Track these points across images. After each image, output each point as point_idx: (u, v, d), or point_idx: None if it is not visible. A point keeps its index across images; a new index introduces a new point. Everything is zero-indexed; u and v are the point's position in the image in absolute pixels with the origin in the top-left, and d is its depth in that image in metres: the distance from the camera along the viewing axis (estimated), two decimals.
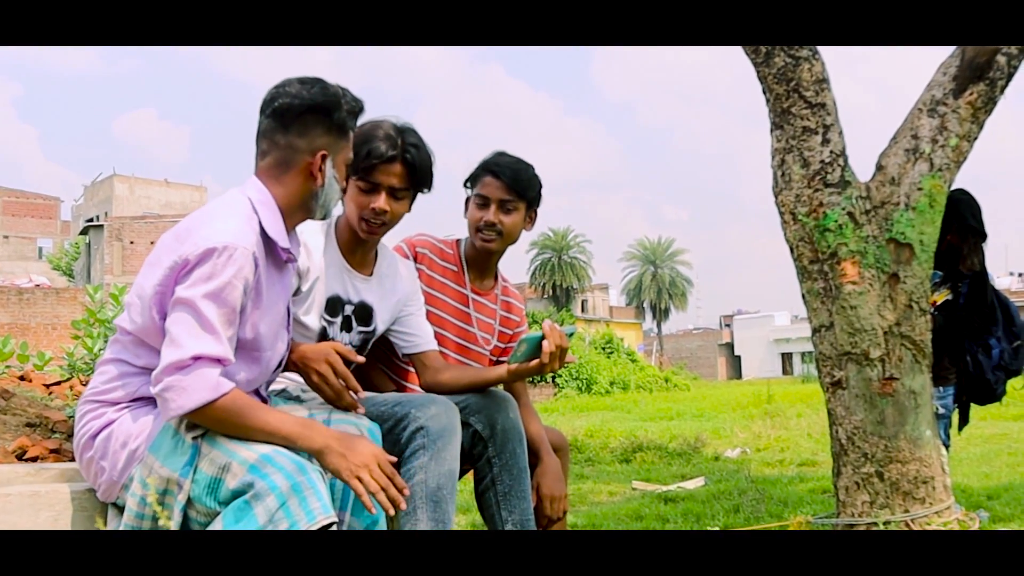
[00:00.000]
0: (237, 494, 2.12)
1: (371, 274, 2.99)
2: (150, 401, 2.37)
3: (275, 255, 2.46)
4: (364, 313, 2.97)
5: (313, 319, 2.85)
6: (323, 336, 2.87)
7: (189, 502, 2.21)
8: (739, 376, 65.53)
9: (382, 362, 3.30)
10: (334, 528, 2.15)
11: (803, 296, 4.52)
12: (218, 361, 2.25)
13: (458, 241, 3.44)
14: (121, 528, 2.26)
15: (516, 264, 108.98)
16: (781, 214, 4.48)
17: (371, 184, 2.80)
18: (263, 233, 2.39)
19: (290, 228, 2.53)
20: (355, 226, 2.86)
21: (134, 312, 2.37)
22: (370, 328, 2.99)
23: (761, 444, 12.20)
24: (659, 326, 71.93)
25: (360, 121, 2.60)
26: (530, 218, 3.35)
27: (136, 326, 2.36)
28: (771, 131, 4.49)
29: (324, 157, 2.47)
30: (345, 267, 2.92)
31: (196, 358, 2.21)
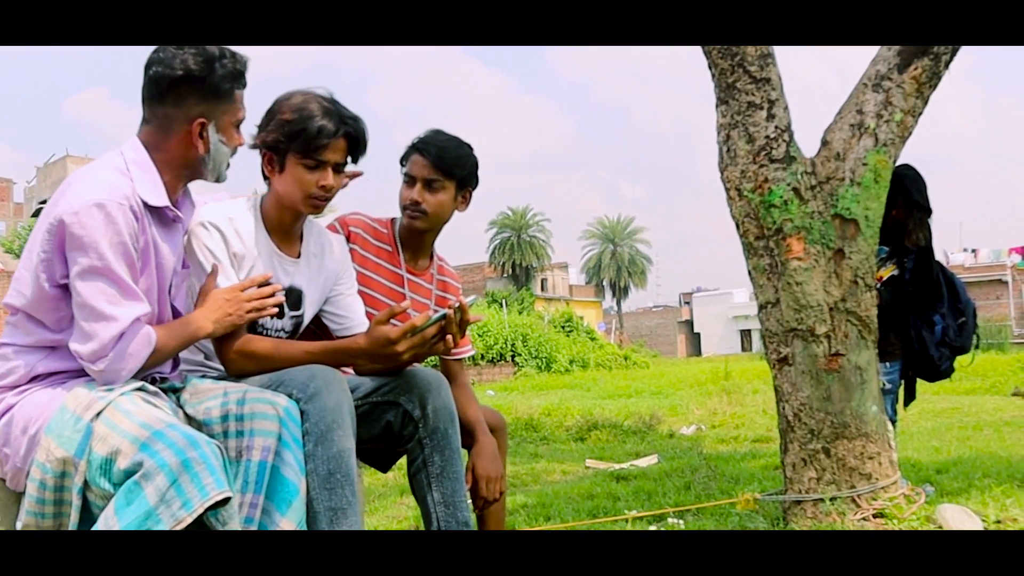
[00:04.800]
0: (129, 474, 2.05)
1: (299, 255, 2.91)
2: (47, 379, 2.34)
3: (160, 214, 2.45)
4: (294, 298, 2.90)
5: None
6: (252, 323, 2.79)
7: (87, 485, 2.14)
8: (699, 353, 65.89)
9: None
10: (227, 503, 2.09)
11: (749, 273, 4.50)
12: (141, 318, 2.32)
13: (393, 220, 3.37)
14: (23, 515, 2.18)
15: (475, 243, 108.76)
16: (727, 190, 4.45)
17: (317, 162, 2.72)
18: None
19: (175, 189, 2.52)
20: (298, 205, 2.77)
21: (22, 285, 2.34)
22: (300, 312, 2.92)
23: (716, 421, 12.28)
24: (619, 304, 72.13)
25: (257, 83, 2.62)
26: (463, 198, 3.28)
27: (25, 300, 2.33)
28: (716, 106, 4.45)
29: (203, 125, 2.44)
30: (275, 251, 2.84)
31: (131, 323, 2.28)
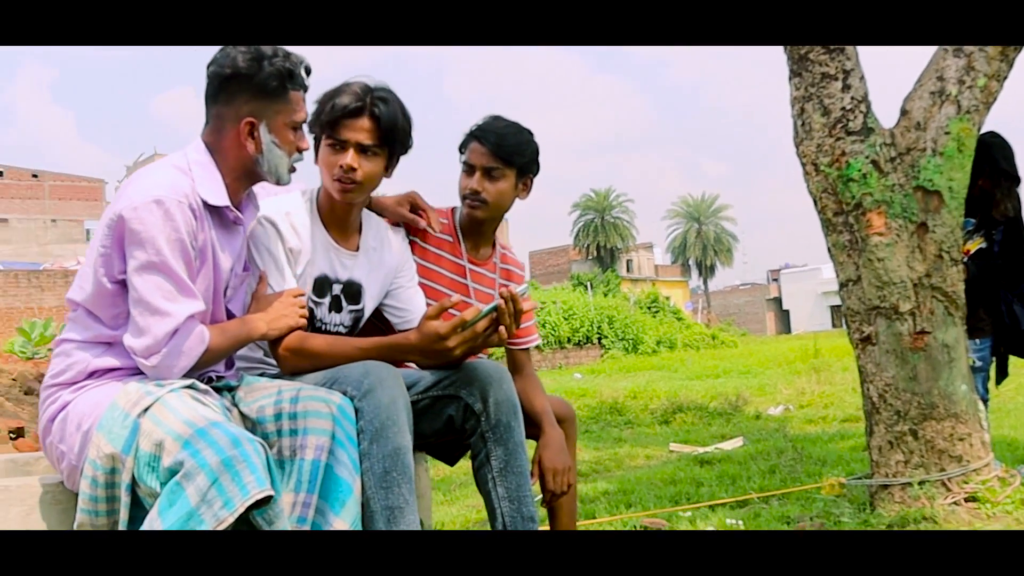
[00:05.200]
0: (173, 472, 2.02)
1: (357, 249, 2.87)
2: (103, 376, 2.34)
3: (221, 215, 2.45)
4: (353, 291, 2.86)
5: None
6: (311, 318, 2.77)
7: (135, 482, 2.12)
8: (788, 331, 64.86)
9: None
10: (269, 502, 2.06)
11: (829, 250, 4.34)
12: (196, 316, 2.32)
13: (453, 210, 3.29)
14: (78, 513, 2.17)
15: (560, 226, 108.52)
16: (803, 165, 4.31)
17: (337, 141, 2.67)
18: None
19: (237, 192, 2.51)
20: (330, 189, 2.73)
21: (84, 280, 2.36)
22: (359, 307, 2.88)
23: (805, 400, 12.02)
24: (705, 283, 71.40)
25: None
26: (524, 185, 3.18)
27: (85, 294, 2.35)
28: (789, 79, 4.30)
29: (251, 124, 2.43)
30: (331, 244, 2.81)
31: (186, 320, 2.27)
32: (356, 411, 2.43)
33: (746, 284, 78.90)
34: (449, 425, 2.75)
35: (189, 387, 2.26)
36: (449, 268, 3.19)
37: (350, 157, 2.65)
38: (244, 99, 2.41)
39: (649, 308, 37.10)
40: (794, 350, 23.61)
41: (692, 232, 71.30)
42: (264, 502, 2.03)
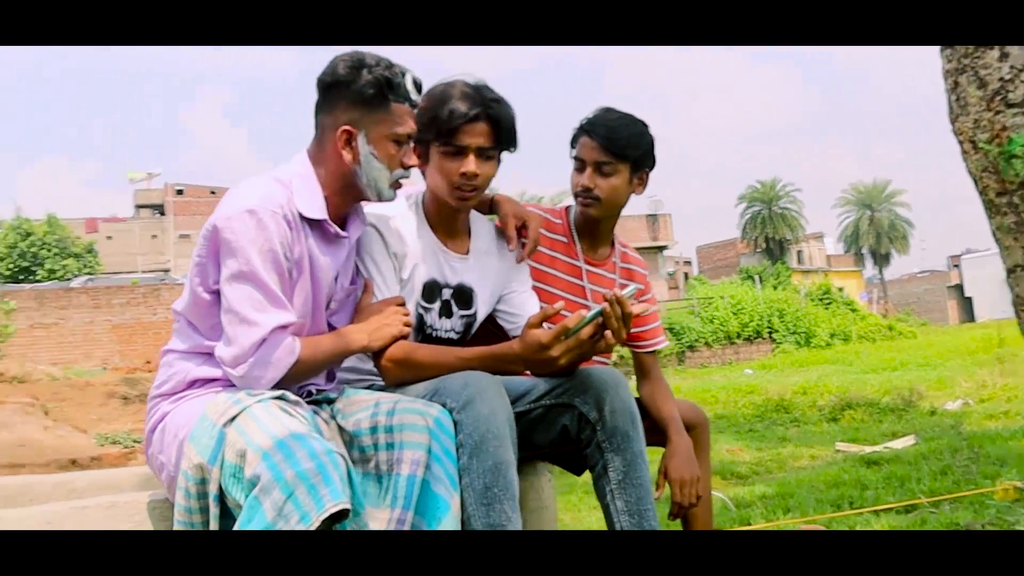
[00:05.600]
0: (253, 485, 1.97)
1: (467, 252, 2.77)
2: (202, 386, 2.33)
3: (322, 229, 2.41)
4: (464, 296, 2.76)
5: (411, 307, 2.67)
6: (420, 324, 2.69)
7: (223, 492, 2.08)
8: (972, 319, 61.86)
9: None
10: (347, 515, 1.97)
11: (993, 234, 3.99)
12: (286, 327, 2.29)
13: (567, 209, 3.15)
14: (175, 524, 2.15)
15: (726, 219, 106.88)
16: (960, 143, 3.96)
17: (456, 148, 2.58)
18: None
19: (338, 206, 2.47)
20: (446, 196, 2.63)
21: (185, 291, 2.38)
22: (471, 311, 2.77)
23: (986, 394, 11.34)
24: (881, 272, 68.78)
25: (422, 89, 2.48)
26: (639, 180, 3.00)
27: (185, 304, 2.37)
28: (941, 52, 3.97)
29: (348, 134, 2.38)
30: (439, 248, 2.72)
31: (273, 330, 2.24)
32: (456, 424, 2.32)
33: (924, 271, 75.78)
34: (564, 435, 2.60)
35: (279, 398, 2.20)
36: (564, 270, 3.05)
37: (473, 163, 2.57)
38: (343, 107, 2.38)
39: (821, 300, 35.91)
40: (976, 340, 22.47)
41: (864, 220, 68.75)
42: (342, 516, 1.95)
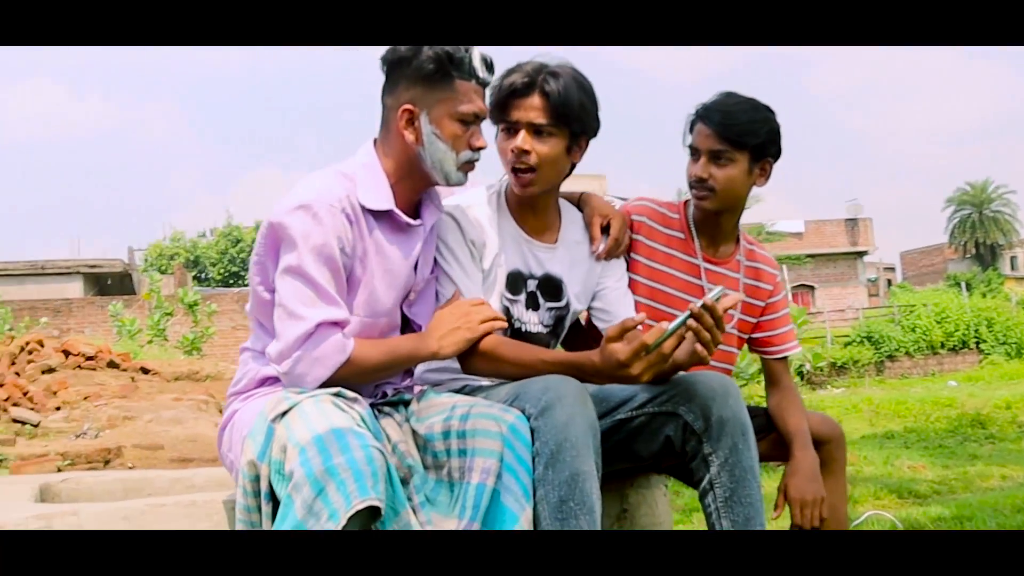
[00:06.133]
0: (290, 481, 1.93)
1: (555, 242, 2.66)
2: (271, 384, 2.31)
3: (391, 220, 2.35)
4: (551, 287, 2.64)
5: (494, 300, 2.58)
6: (508, 317, 2.59)
7: (272, 490, 2.04)
8: None
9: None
10: (380, 514, 1.92)
11: None
12: (338, 324, 2.21)
13: (686, 203, 2.96)
14: (236, 525, 2.12)
15: (933, 224, 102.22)
16: None
17: (509, 124, 2.50)
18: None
19: (406, 193, 2.39)
20: (511, 181, 2.56)
21: (251, 291, 2.36)
22: (561, 303, 2.66)
23: None
24: None
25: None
26: (761, 171, 2.79)
27: (251, 304, 2.35)
28: None
29: (409, 113, 2.31)
30: (523, 237, 2.62)
31: (320, 325, 2.17)
32: (533, 432, 2.19)
33: None
34: (667, 446, 2.44)
35: (336, 395, 2.14)
36: (681, 268, 2.86)
37: (521, 139, 2.46)
38: (404, 86, 2.31)
39: None
40: None
41: None
42: (377, 514, 1.90)
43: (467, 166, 2.38)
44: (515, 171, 2.50)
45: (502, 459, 2.12)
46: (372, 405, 2.33)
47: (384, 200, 2.31)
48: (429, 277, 2.49)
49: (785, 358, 3.01)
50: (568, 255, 2.67)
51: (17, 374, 9.10)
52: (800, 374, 20.22)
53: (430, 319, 2.46)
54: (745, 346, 3.03)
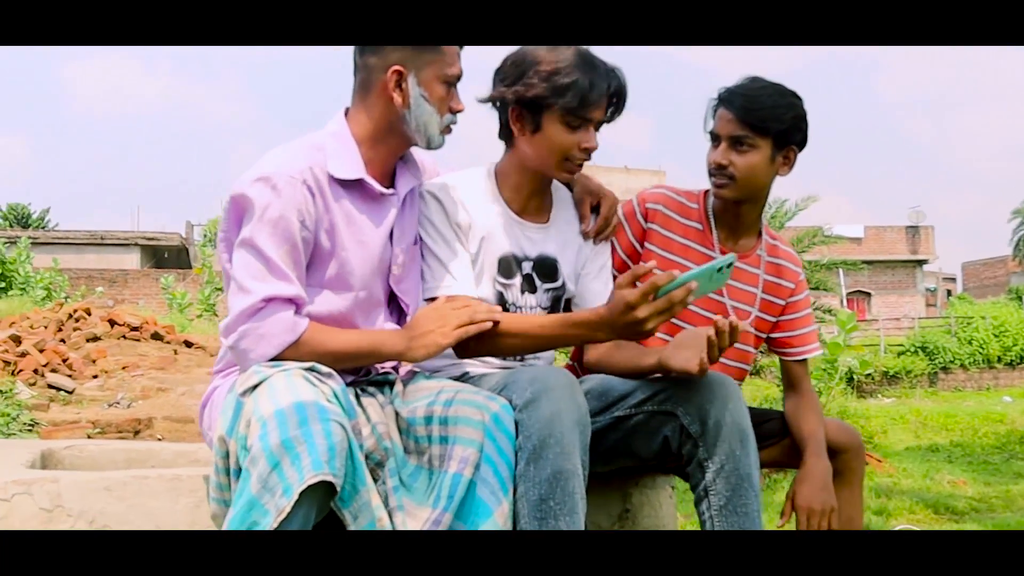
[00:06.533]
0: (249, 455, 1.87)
1: (548, 221, 2.58)
2: None
3: (363, 189, 2.26)
4: (547, 267, 2.55)
5: (486, 285, 2.50)
6: (501, 302, 2.50)
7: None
8: None
9: None
10: (365, 497, 1.92)
11: None
12: (290, 301, 2.12)
13: (706, 193, 2.83)
14: (209, 503, 2.08)
15: (997, 235, 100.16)
16: None
17: (583, 120, 2.40)
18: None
19: (383, 161, 2.32)
20: (551, 168, 2.46)
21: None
22: (558, 283, 2.57)
23: None
24: None
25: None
26: (784, 159, 2.67)
27: (224, 283, 2.27)
28: None
29: (399, 73, 2.23)
30: (514, 219, 2.53)
31: (268, 300, 2.09)
32: (517, 424, 2.11)
33: None
34: (665, 448, 2.35)
35: (309, 369, 2.07)
36: (697, 260, 2.71)
37: (593, 137, 2.42)
38: (392, 47, 2.24)
39: None
40: None
41: None
42: (334, 491, 1.84)
43: (447, 129, 2.33)
44: (571, 162, 2.43)
45: (482, 449, 2.05)
46: (355, 383, 2.27)
47: (354, 169, 2.24)
48: (413, 249, 2.42)
49: (804, 360, 2.89)
50: (560, 234, 2.59)
51: (63, 341, 9.23)
52: (850, 381, 19.91)
53: (416, 297, 2.40)
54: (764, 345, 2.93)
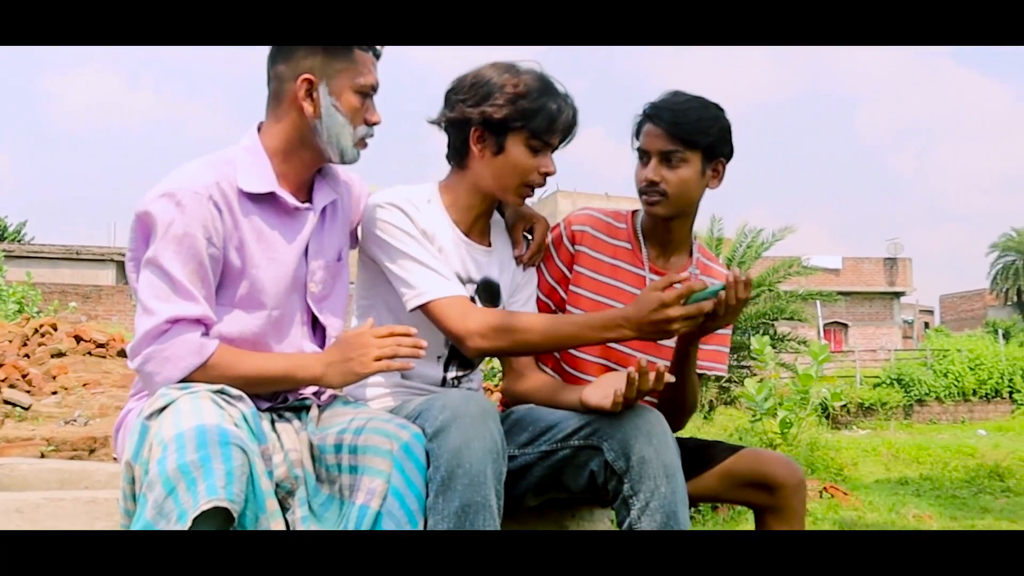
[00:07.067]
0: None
1: (490, 245, 2.56)
2: None
3: (276, 204, 2.20)
4: (491, 291, 2.53)
5: None
6: None
7: None
8: None
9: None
10: (257, 522, 1.85)
11: None
12: (197, 322, 2.06)
13: (634, 213, 2.80)
14: (120, 527, 2.00)
15: (975, 269, 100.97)
16: None
17: (545, 144, 2.42)
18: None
19: (298, 175, 2.26)
20: (508, 192, 2.46)
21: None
22: (499, 308, 2.53)
23: None
24: None
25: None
26: (714, 172, 2.64)
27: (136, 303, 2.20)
28: None
29: (309, 83, 2.18)
30: (462, 240, 2.50)
31: (173, 321, 2.03)
32: (428, 454, 2.05)
33: None
34: (592, 483, 2.29)
35: (218, 391, 2.01)
36: (628, 281, 2.69)
37: (551, 162, 2.45)
38: (303, 54, 2.18)
39: None
40: None
41: None
42: (231, 518, 1.77)
43: (362, 142, 2.28)
44: (527, 186, 2.46)
45: (390, 480, 1.99)
46: (272, 409, 2.21)
47: (265, 182, 2.18)
48: (335, 266, 2.36)
49: (703, 376, 2.82)
50: (499, 258, 2.58)
51: (27, 356, 9.09)
52: (825, 412, 19.91)
53: (338, 317, 2.35)
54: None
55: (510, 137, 2.38)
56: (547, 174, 2.42)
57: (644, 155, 2.61)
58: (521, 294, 2.62)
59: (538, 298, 2.68)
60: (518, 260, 2.62)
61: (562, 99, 2.41)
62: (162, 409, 1.94)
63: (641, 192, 2.62)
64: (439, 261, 2.39)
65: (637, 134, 2.64)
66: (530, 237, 2.67)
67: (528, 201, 2.54)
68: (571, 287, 2.67)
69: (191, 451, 1.77)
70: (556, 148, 2.45)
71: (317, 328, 2.35)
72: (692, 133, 2.55)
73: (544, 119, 2.36)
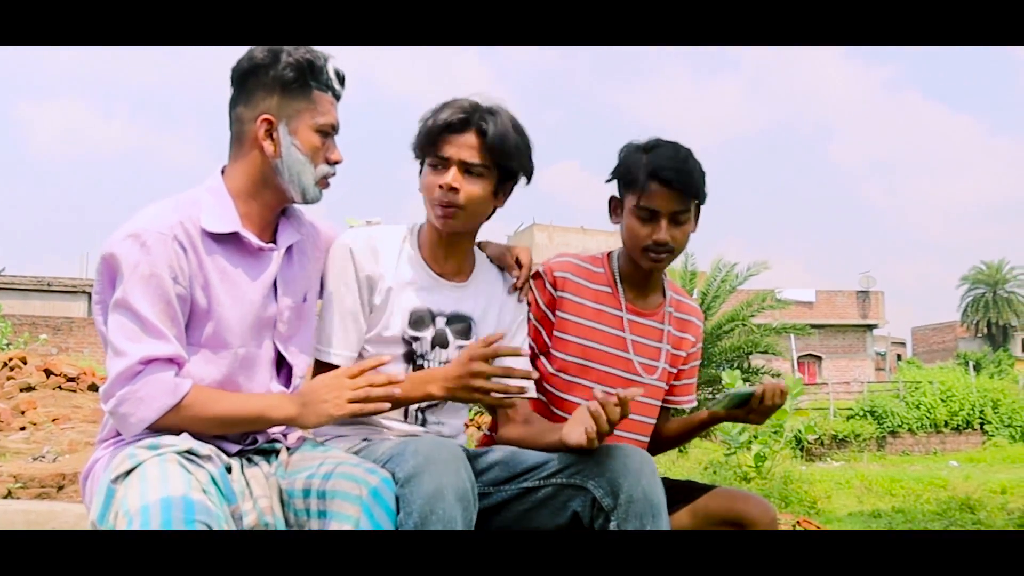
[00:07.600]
0: None
1: (467, 281, 2.57)
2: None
3: (240, 244, 2.20)
4: (462, 325, 2.54)
5: (394, 335, 2.46)
6: (410, 355, 2.48)
7: None
8: None
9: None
10: None
11: None
12: (170, 361, 2.04)
13: (609, 255, 2.83)
14: None
15: (946, 301, 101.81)
16: None
17: (439, 159, 2.41)
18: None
19: (261, 215, 2.26)
20: (431, 217, 2.46)
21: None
22: (471, 342, 2.52)
23: None
24: None
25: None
26: (696, 217, 2.70)
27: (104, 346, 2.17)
28: None
29: (269, 122, 2.18)
30: (430, 276, 2.52)
31: (146, 362, 2.01)
32: (398, 500, 2.04)
33: None
34: (576, 522, 2.29)
35: (187, 451, 1.99)
36: (609, 323, 2.74)
37: (451, 175, 2.38)
38: (262, 95, 2.19)
39: None
40: None
41: None
42: None
43: (324, 181, 2.28)
44: (440, 207, 2.41)
45: (358, 525, 1.98)
46: (241, 453, 2.20)
47: (228, 223, 2.17)
48: (301, 307, 2.35)
49: (677, 410, 2.92)
50: (478, 294, 2.58)
51: None
52: (799, 444, 19.99)
53: (304, 356, 2.35)
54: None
55: (424, 163, 2.47)
56: (444, 187, 2.39)
57: (652, 215, 2.59)
58: (515, 326, 2.64)
59: None
60: (515, 285, 2.64)
61: (453, 109, 2.40)
62: (128, 472, 1.92)
63: (647, 250, 2.62)
64: (352, 318, 2.44)
65: (630, 185, 2.64)
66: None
67: (504, 234, 2.56)
68: (555, 332, 2.70)
69: (156, 525, 1.76)
70: (473, 164, 2.39)
71: (282, 368, 2.34)
72: (697, 190, 2.60)
73: (425, 133, 2.42)
